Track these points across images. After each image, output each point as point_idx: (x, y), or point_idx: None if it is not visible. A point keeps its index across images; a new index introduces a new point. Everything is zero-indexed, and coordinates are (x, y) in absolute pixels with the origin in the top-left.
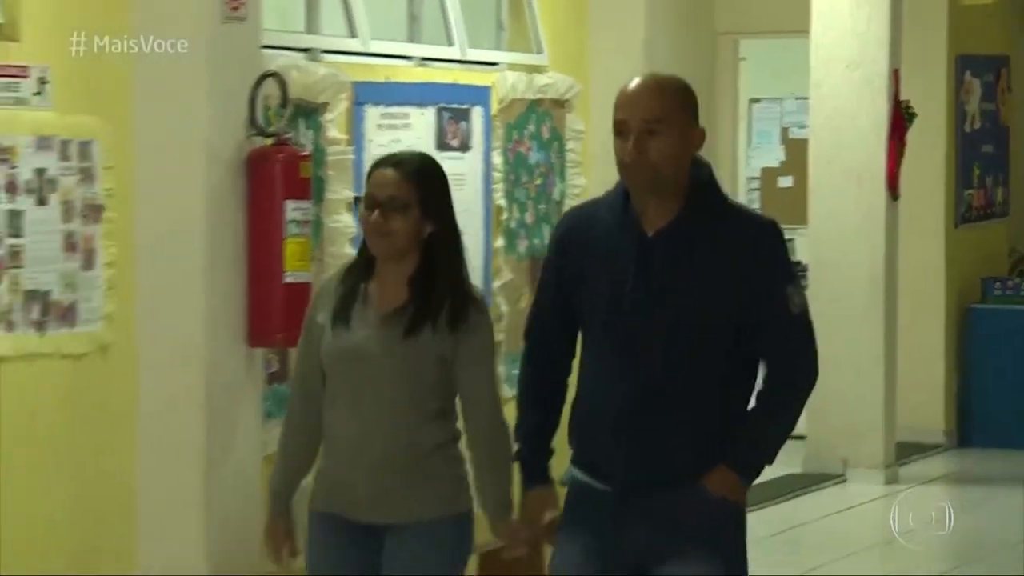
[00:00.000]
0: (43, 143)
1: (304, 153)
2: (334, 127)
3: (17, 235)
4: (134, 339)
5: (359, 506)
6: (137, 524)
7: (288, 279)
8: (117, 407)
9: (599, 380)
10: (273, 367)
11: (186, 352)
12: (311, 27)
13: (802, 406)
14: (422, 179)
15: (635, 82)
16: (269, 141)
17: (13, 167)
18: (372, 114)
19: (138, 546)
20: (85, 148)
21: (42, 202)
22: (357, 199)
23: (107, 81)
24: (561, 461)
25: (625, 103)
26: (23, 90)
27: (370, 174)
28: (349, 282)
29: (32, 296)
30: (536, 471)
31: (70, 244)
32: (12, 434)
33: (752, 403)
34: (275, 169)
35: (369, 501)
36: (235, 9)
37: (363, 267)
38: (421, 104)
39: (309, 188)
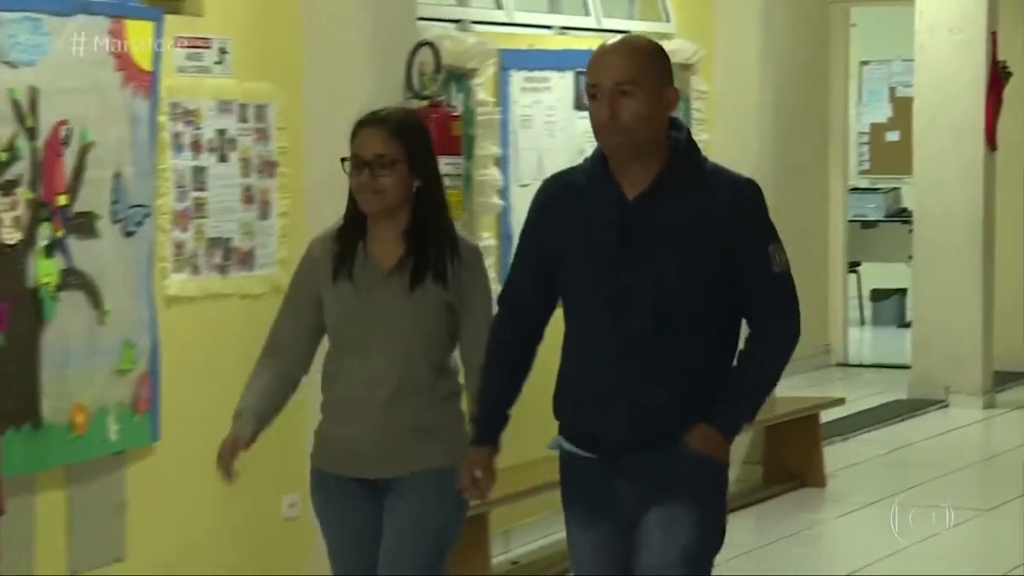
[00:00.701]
0: (224, 107)
1: (455, 114)
2: (482, 90)
3: (201, 188)
4: None
5: (363, 462)
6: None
7: None
8: None
9: (585, 348)
10: None
11: None
12: (462, 0)
13: (783, 364)
14: (407, 134)
15: (606, 45)
16: (424, 103)
17: (198, 128)
18: (516, 78)
19: None
20: (261, 111)
21: (223, 159)
22: (344, 160)
23: (280, 51)
24: (548, 430)
25: (596, 66)
26: (206, 60)
27: (354, 134)
28: (344, 244)
29: (215, 243)
30: (483, 432)
31: (248, 196)
32: (198, 367)
33: (735, 361)
34: (429, 128)
35: (373, 456)
36: None
37: (355, 228)
38: (560, 68)
39: (460, 145)
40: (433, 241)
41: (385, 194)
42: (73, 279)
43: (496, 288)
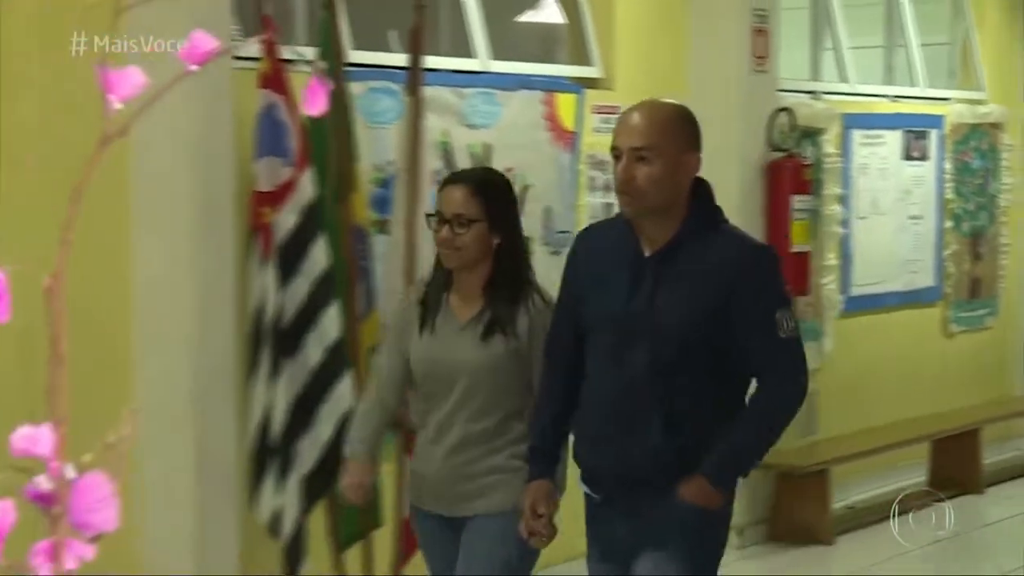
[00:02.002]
0: None
1: (806, 163)
2: (829, 145)
3: None
4: None
5: (440, 501)
6: None
7: (794, 249)
8: None
9: (591, 392)
10: None
11: None
12: (814, 75)
13: (784, 425)
14: (487, 193)
15: (630, 109)
16: (782, 154)
17: (607, 174)
18: (856, 135)
19: None
20: None
21: None
22: (429, 216)
23: None
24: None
25: (619, 129)
26: (615, 122)
27: (440, 190)
28: (432, 294)
29: None
30: (537, 467)
31: None
32: None
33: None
34: (785, 173)
35: (444, 496)
36: (759, 65)
37: (440, 280)
38: (892, 128)
39: (809, 187)
40: (507, 296)
41: (464, 251)
42: None
43: None
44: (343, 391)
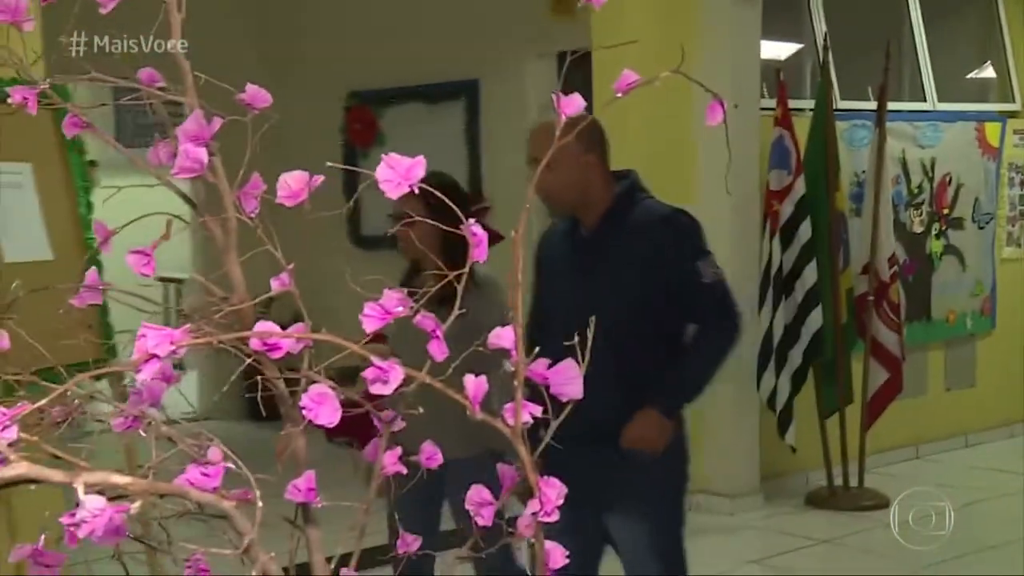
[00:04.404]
0: None
1: None
2: None
3: None
4: None
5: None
6: None
7: None
8: None
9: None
10: None
11: None
12: None
13: (721, 358)
14: (427, 195)
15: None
16: None
17: (1022, 174)
18: None
19: None
20: None
21: None
22: (389, 215)
23: None
24: None
25: (528, 142)
26: None
27: None
28: (405, 279)
29: None
30: None
31: None
32: (1018, 293)
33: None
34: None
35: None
36: None
37: (415, 265)
38: None
39: None
40: (437, 283)
41: (406, 244)
42: (950, 250)
43: None
44: (815, 316)
